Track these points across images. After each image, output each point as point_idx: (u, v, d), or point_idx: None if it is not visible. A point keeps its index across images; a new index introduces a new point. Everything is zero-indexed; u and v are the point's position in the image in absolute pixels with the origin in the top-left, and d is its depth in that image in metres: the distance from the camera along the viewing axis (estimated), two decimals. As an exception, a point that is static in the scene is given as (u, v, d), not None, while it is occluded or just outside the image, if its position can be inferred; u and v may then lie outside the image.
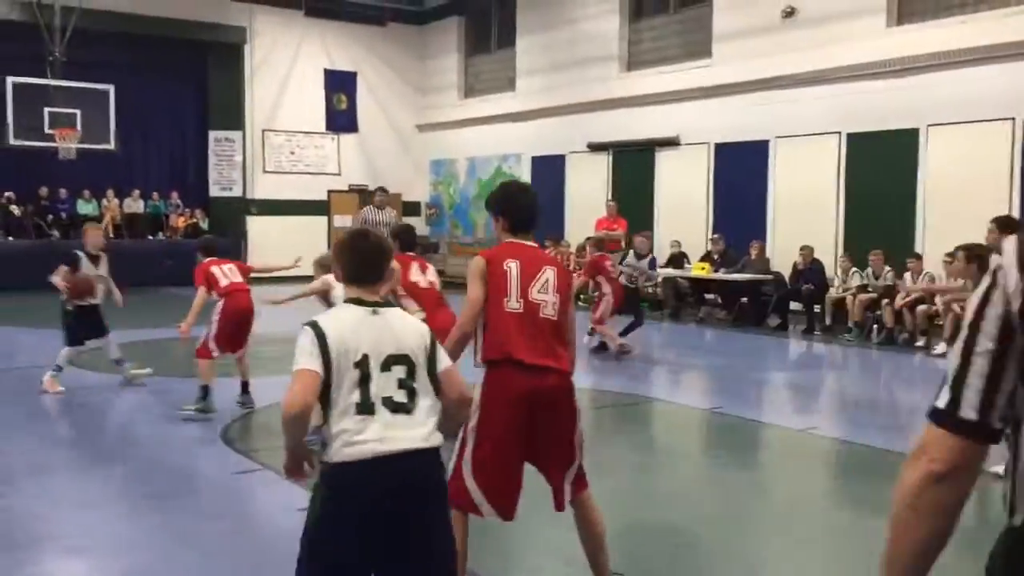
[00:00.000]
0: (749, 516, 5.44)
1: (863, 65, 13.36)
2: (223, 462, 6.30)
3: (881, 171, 13.34)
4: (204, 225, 20.72)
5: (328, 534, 2.78)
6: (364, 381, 2.81)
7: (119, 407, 7.18)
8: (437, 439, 2.87)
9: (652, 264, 12.43)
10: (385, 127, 23.00)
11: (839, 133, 13.88)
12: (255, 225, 21.24)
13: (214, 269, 7.73)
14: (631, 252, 12.40)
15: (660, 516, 5.38)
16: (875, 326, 12.58)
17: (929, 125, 12.76)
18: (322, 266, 7.09)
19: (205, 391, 7.48)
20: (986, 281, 1.49)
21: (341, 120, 22.29)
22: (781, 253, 14.36)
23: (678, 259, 15.76)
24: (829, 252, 13.73)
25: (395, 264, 6.99)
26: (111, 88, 17.97)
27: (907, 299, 12.09)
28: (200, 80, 21.30)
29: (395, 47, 23.01)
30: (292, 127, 21.77)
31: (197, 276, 7.72)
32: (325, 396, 2.81)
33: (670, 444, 7.66)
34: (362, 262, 3.01)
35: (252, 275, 8.25)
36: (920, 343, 11.87)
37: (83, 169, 19.05)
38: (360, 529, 2.74)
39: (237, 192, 21.21)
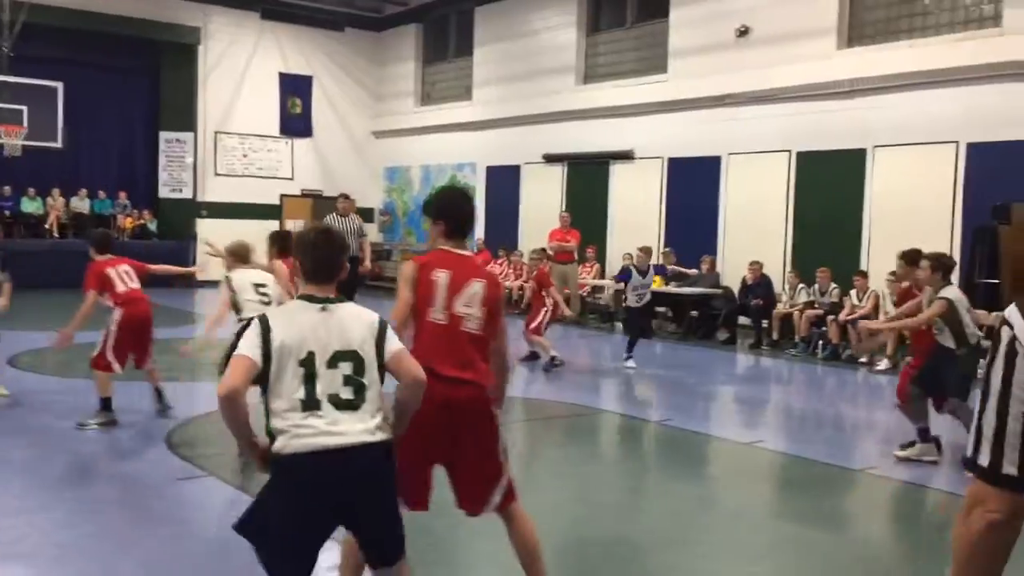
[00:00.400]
0: (694, 528, 5.49)
1: (813, 85, 13.61)
2: (166, 468, 6.20)
3: (829, 190, 13.59)
4: (152, 227, 20.43)
5: (277, 520, 2.92)
6: (310, 379, 2.90)
7: (59, 410, 7.03)
8: (383, 434, 2.97)
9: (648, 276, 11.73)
10: (340, 132, 22.88)
11: (789, 151, 14.11)
12: (205, 228, 20.93)
13: (109, 271, 7.06)
14: (632, 270, 11.67)
15: (604, 528, 5.40)
16: (820, 342, 12.80)
17: (876, 146, 13.04)
18: (233, 254, 6.96)
19: (105, 403, 7.06)
20: (1002, 348, 1.76)
21: (295, 124, 22.12)
22: (731, 268, 14.55)
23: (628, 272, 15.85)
24: (778, 268, 13.94)
25: (281, 266, 6.97)
26: (60, 85, 17.64)
27: (852, 316, 12.32)
28: (152, 80, 21.00)
29: (352, 53, 22.91)
30: (245, 130, 21.55)
31: (89, 278, 7.00)
32: (266, 389, 2.93)
33: (616, 456, 7.71)
34: (322, 260, 3.10)
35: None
36: (864, 359, 12.09)
37: (28, 166, 18.67)
38: (307, 517, 2.90)
39: (187, 194, 20.92)
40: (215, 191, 21.23)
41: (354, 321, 3.04)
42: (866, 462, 7.20)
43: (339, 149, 22.80)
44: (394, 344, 3.09)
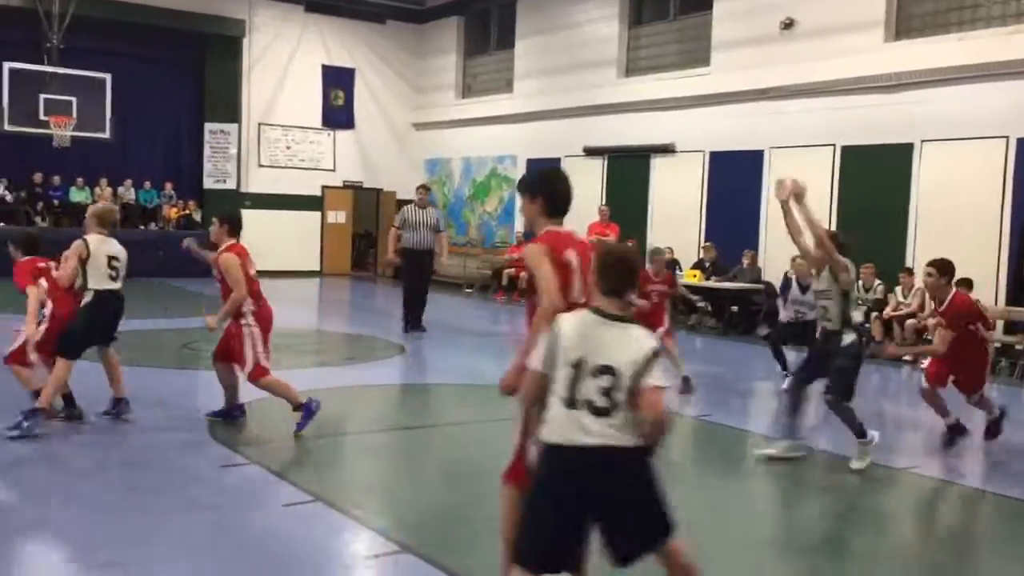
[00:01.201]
0: (732, 523, 5.46)
1: (860, 79, 13.41)
2: (209, 455, 6.30)
3: (874, 185, 13.40)
4: (197, 217, 20.69)
5: (537, 498, 3.32)
6: (574, 382, 3.24)
7: (104, 398, 7.16)
8: (629, 440, 3.23)
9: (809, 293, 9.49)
10: (381, 124, 23.00)
11: (833, 146, 13.94)
12: (249, 218, 21.06)
13: (41, 265, 6.83)
14: (793, 282, 10.36)
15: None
16: (864, 338, 12.62)
17: (923, 140, 12.82)
18: (98, 217, 6.86)
19: (38, 396, 6.57)
20: None
21: (338, 116, 22.28)
22: (773, 263, 14.41)
23: (670, 266, 15.78)
24: (820, 264, 13.77)
25: (233, 258, 6.74)
26: (108, 77, 17.91)
27: (896, 313, 12.16)
28: (198, 72, 21.26)
29: (394, 45, 23.01)
30: (288, 122, 21.75)
31: (21, 276, 6.70)
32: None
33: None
34: (620, 279, 3.37)
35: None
36: (908, 357, 11.92)
37: (77, 157, 19.01)
38: (557, 500, 3.24)
39: (231, 185, 21.18)
40: (258, 182, 21.47)
41: (627, 343, 3.27)
42: (908, 461, 7.10)
43: (380, 141, 22.93)
44: (654, 379, 3.24)
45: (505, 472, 3.80)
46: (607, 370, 3.22)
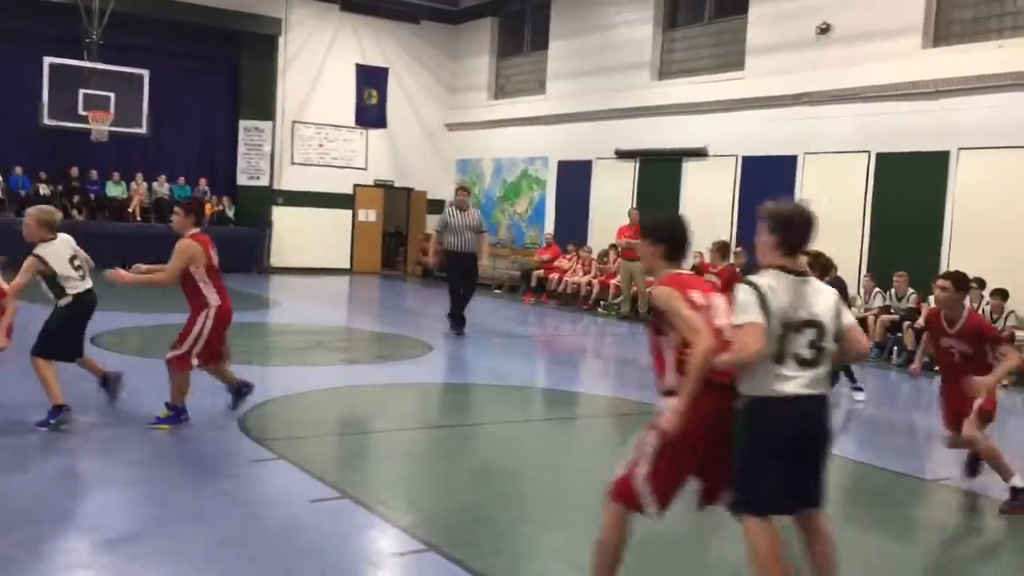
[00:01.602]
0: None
1: (896, 85, 13.28)
2: (239, 450, 6.36)
3: (909, 192, 13.26)
4: (230, 213, 20.90)
5: (758, 453, 3.57)
6: (783, 339, 3.52)
7: (140, 391, 7.25)
8: (828, 390, 3.65)
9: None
10: (414, 124, 23.10)
11: (868, 152, 13.81)
12: (281, 215, 21.39)
13: None
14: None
15: (666, 525, 5.37)
16: (895, 348, 12.51)
17: (960, 148, 12.68)
18: (44, 224, 6.67)
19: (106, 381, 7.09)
20: None
21: (370, 115, 22.37)
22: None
23: (700, 270, 15.73)
24: (853, 271, 13.65)
25: (193, 245, 6.51)
26: (146, 73, 18.13)
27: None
28: (233, 69, 21.47)
29: (428, 45, 23.09)
30: (322, 120, 21.90)
31: None
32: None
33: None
34: (799, 237, 3.67)
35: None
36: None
37: (114, 152, 19.27)
38: (779, 448, 3.56)
39: (264, 182, 21.37)
40: (291, 179, 21.64)
41: (820, 295, 3.64)
42: (939, 473, 7.03)
43: (412, 140, 23.02)
44: (848, 318, 3.72)
45: (613, 489, 3.87)
46: (811, 324, 3.56)
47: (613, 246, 16.85)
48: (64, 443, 6.27)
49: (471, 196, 13.09)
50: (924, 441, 8.45)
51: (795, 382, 3.53)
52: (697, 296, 3.78)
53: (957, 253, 12.62)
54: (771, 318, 3.51)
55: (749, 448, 3.58)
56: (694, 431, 3.62)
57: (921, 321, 11.02)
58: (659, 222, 4.16)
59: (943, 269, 12.62)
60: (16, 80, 18.64)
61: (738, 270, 14.77)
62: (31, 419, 6.49)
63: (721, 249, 9.84)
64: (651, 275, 4.06)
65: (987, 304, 11.61)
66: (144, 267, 6.86)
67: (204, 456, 6.17)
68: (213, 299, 6.64)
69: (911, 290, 12.66)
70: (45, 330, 6.64)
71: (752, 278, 3.62)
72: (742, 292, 3.57)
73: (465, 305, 12.59)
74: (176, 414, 6.74)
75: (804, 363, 3.55)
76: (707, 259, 13.32)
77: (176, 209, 6.84)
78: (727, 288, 9.04)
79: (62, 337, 6.64)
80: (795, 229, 3.67)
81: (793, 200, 4.33)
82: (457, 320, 12.48)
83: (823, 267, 6.56)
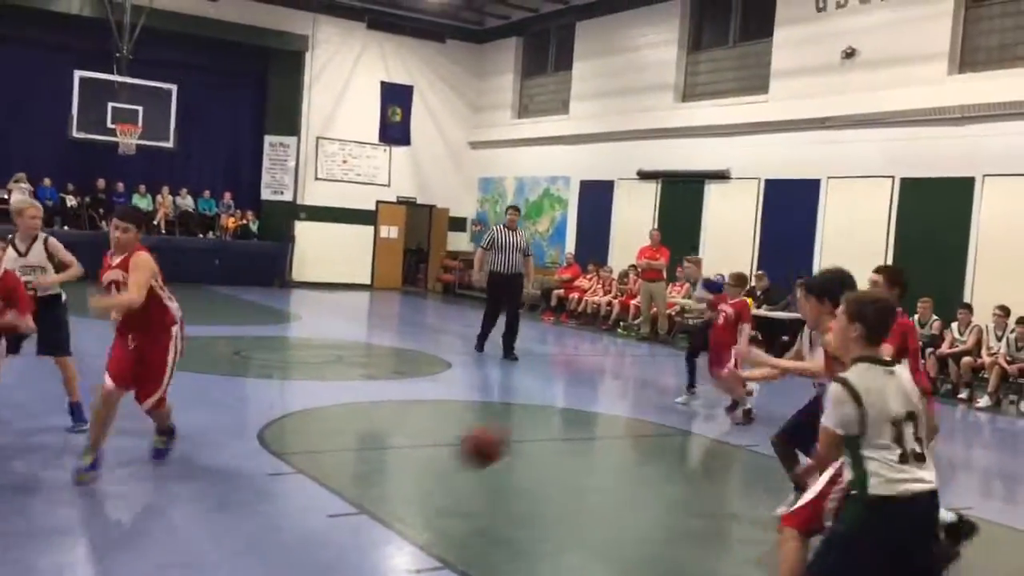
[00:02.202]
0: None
1: (922, 111, 13.23)
2: (256, 463, 6.37)
3: (934, 218, 13.18)
4: (254, 227, 21.06)
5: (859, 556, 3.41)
6: (898, 436, 3.37)
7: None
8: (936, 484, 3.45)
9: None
10: (437, 142, 23.22)
11: (892, 177, 13.75)
12: (303, 230, 21.53)
13: None
14: None
15: (682, 551, 5.34)
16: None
17: (986, 175, 12.60)
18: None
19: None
20: None
21: (394, 132, 22.53)
22: (826, 294, 14.21)
23: (712, 305, 15.66)
24: (875, 296, 13.56)
25: (150, 258, 5.78)
26: (174, 87, 18.35)
27: (952, 350, 11.92)
28: (260, 85, 21.70)
29: (452, 63, 23.24)
30: (346, 136, 22.06)
31: None
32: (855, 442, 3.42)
33: (701, 478, 7.60)
34: (882, 325, 3.51)
35: None
36: (963, 395, 11.67)
37: (140, 164, 19.48)
38: (894, 553, 3.38)
39: (288, 197, 21.52)
40: (314, 195, 21.78)
41: (909, 383, 3.48)
42: (960, 502, 6.94)
43: (435, 158, 23.14)
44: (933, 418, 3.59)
45: (792, 515, 3.91)
46: (911, 416, 3.41)
47: (633, 266, 16.83)
48: (76, 446, 6.29)
49: (520, 216, 12.63)
50: (946, 470, 8.35)
51: (917, 480, 3.39)
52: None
53: (981, 280, 12.52)
54: (868, 417, 3.38)
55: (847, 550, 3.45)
56: None
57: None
58: (856, 299, 3.69)
59: (967, 296, 12.54)
60: (47, 93, 18.93)
61: (759, 293, 14.74)
62: (46, 423, 6.54)
63: (739, 281, 9.61)
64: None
65: (1012, 332, 11.50)
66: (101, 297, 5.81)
67: (222, 469, 6.19)
68: (176, 309, 5.90)
69: (934, 317, 12.55)
70: (66, 326, 6.78)
71: (846, 376, 3.45)
72: (834, 390, 3.44)
73: (515, 331, 12.07)
74: (170, 437, 6.20)
75: (919, 458, 3.41)
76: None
77: (125, 225, 5.83)
78: (738, 322, 9.06)
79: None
80: (881, 317, 3.50)
81: (842, 273, 4.50)
82: (507, 349, 12.02)
83: (902, 285, 5.89)
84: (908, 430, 3.39)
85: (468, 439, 5.16)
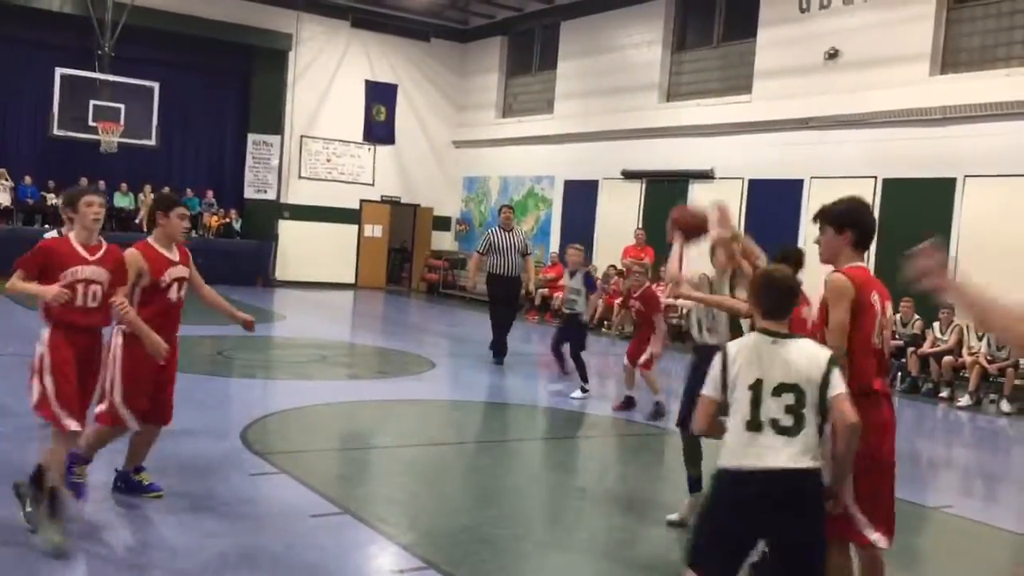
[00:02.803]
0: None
1: (904, 111, 13.32)
2: (240, 463, 6.35)
3: (916, 218, 13.24)
4: (237, 226, 20.95)
5: (717, 514, 3.37)
6: (756, 403, 3.29)
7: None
8: (813, 462, 3.27)
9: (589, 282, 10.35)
10: (421, 141, 23.18)
11: (875, 178, 13.83)
12: (287, 229, 21.45)
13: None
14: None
15: (658, 549, 5.36)
16: (899, 374, 12.48)
17: (967, 176, 12.69)
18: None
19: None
20: None
21: (379, 131, 22.49)
22: (811, 294, 14.28)
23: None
24: (857, 296, 13.65)
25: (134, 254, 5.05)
26: (156, 85, 18.25)
27: (933, 350, 12.01)
28: (243, 83, 21.60)
29: (437, 63, 23.22)
30: (330, 135, 21.99)
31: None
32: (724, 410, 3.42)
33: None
34: (779, 300, 3.48)
35: None
36: (944, 394, 11.76)
37: (122, 163, 19.35)
38: (735, 522, 3.29)
39: (271, 196, 21.43)
40: (298, 193, 21.71)
41: (803, 358, 3.34)
42: (941, 500, 7.00)
43: (420, 157, 23.10)
44: (838, 388, 3.32)
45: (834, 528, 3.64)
46: (789, 388, 3.29)
47: (613, 266, 16.86)
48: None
49: (515, 214, 12.14)
50: (927, 468, 8.42)
51: (767, 451, 3.27)
52: (875, 299, 3.77)
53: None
54: (736, 384, 3.35)
55: (710, 506, 3.47)
56: (883, 446, 3.70)
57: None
58: (847, 206, 4.01)
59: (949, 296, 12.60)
60: (28, 90, 18.80)
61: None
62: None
63: (643, 272, 9.73)
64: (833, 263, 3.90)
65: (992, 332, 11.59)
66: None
67: (205, 469, 6.16)
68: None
69: (916, 316, 12.64)
70: None
71: (728, 343, 3.56)
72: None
73: (507, 332, 11.91)
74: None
75: (783, 431, 3.29)
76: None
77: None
78: (650, 313, 9.22)
79: None
80: (771, 294, 3.51)
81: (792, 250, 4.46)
82: (502, 348, 11.81)
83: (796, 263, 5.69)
84: (774, 400, 3.27)
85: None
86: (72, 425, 4.59)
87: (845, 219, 3.88)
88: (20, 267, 4.68)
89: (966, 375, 11.65)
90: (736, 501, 3.27)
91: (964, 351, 11.80)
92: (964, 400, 11.37)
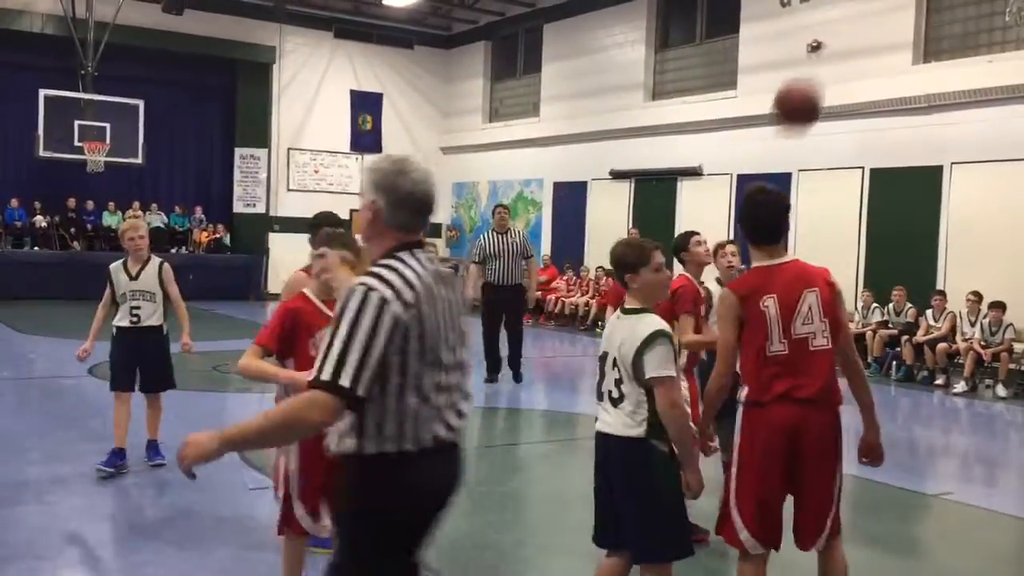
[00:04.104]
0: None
1: (888, 101, 13.36)
2: (238, 478, 6.32)
3: (904, 207, 13.30)
4: (227, 240, 20.91)
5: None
6: (601, 374, 3.50)
7: (137, 418, 7.21)
8: (633, 431, 3.37)
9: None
10: (409, 148, 23.14)
11: (862, 168, 13.87)
12: (277, 242, 21.41)
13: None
14: None
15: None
16: (894, 363, 12.51)
17: (953, 163, 12.73)
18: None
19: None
20: None
21: (366, 140, 22.47)
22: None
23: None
24: (850, 287, 13.66)
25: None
26: (141, 103, 18.20)
27: (927, 337, 12.04)
28: (228, 97, 21.56)
29: (421, 70, 23.21)
30: (317, 146, 21.97)
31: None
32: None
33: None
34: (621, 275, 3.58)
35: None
36: (939, 381, 11.79)
37: (110, 182, 19.29)
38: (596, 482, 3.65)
39: (260, 209, 21.40)
40: (287, 206, 21.66)
41: (628, 332, 3.40)
42: (940, 487, 7.01)
43: (408, 165, 23.04)
44: (653, 369, 3.31)
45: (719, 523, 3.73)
46: (615, 362, 3.43)
47: (602, 267, 16.87)
48: (59, 471, 6.22)
49: (510, 214, 10.70)
50: (925, 456, 8.43)
51: (601, 419, 3.54)
52: (767, 303, 3.48)
53: (953, 266, 12.65)
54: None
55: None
56: (763, 443, 3.57)
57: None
58: (741, 205, 3.76)
59: (940, 283, 12.66)
60: (12, 112, 18.74)
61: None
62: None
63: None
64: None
65: (985, 317, 11.62)
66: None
67: (203, 484, 6.11)
68: None
69: (909, 305, 12.67)
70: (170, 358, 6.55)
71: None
72: None
73: (520, 349, 10.77)
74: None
75: (613, 402, 3.45)
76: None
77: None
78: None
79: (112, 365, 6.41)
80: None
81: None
82: (497, 364, 10.71)
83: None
84: (611, 373, 3.44)
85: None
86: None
87: (739, 216, 3.74)
88: (262, 342, 3.86)
89: (961, 362, 11.68)
90: (595, 462, 3.59)
91: (958, 337, 11.83)
92: (960, 387, 11.40)
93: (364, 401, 2.39)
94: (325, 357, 2.37)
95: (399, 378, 2.44)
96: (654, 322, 3.39)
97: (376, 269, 2.50)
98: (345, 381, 2.34)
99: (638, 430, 3.35)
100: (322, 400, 2.34)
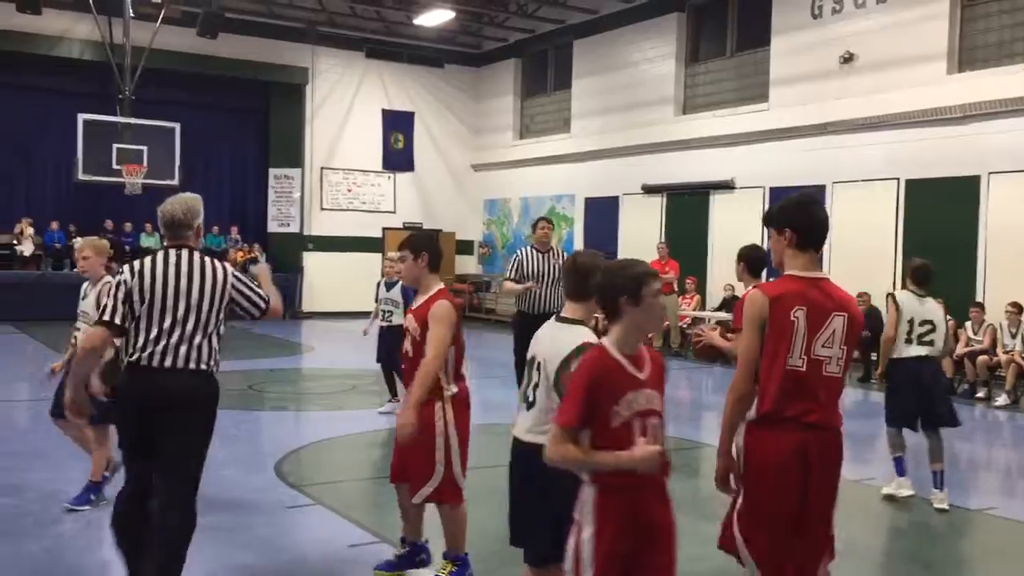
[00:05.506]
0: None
1: (923, 111, 13.24)
2: (275, 495, 6.36)
3: (941, 218, 13.14)
4: (262, 259, 21.10)
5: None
6: (529, 377, 3.52)
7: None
8: (534, 437, 3.36)
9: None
10: (440, 166, 23.30)
11: (897, 179, 13.73)
12: (311, 261, 21.60)
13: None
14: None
15: (699, 557, 5.30)
16: (934, 376, 12.31)
17: (991, 173, 12.57)
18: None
19: None
20: None
21: (398, 159, 22.64)
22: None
23: (731, 303, 15.63)
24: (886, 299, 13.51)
25: None
26: (177, 126, 18.48)
27: (967, 349, 11.86)
28: (262, 118, 21.85)
29: (452, 88, 23.37)
30: (350, 165, 22.17)
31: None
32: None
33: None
34: (574, 284, 3.58)
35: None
36: (981, 394, 11.59)
37: (147, 203, 19.50)
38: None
39: (295, 228, 21.61)
40: (321, 225, 21.86)
41: (556, 341, 3.41)
42: (984, 502, 6.89)
43: (439, 182, 23.22)
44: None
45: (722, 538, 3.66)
46: (537, 367, 3.43)
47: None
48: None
49: (555, 229, 9.25)
50: (967, 470, 8.28)
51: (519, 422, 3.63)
52: (798, 314, 3.32)
53: (992, 277, 12.46)
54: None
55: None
56: (773, 465, 3.44)
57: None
58: (782, 205, 3.59)
59: (979, 295, 12.48)
60: (52, 137, 19.11)
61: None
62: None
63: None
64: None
65: (1026, 329, 11.43)
66: None
67: (240, 503, 6.18)
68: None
69: (948, 318, 12.46)
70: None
71: None
72: None
73: None
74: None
75: (528, 406, 3.58)
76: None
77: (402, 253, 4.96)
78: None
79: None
80: (568, 276, 3.65)
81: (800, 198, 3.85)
82: None
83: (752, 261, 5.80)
84: (532, 375, 3.46)
85: None
86: None
87: (782, 218, 3.51)
88: (565, 421, 2.88)
89: (1002, 374, 11.49)
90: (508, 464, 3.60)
91: (999, 350, 11.65)
92: (1002, 399, 11.22)
93: None
94: None
95: None
96: (583, 335, 3.36)
97: None
98: None
99: (540, 439, 3.09)
100: None
